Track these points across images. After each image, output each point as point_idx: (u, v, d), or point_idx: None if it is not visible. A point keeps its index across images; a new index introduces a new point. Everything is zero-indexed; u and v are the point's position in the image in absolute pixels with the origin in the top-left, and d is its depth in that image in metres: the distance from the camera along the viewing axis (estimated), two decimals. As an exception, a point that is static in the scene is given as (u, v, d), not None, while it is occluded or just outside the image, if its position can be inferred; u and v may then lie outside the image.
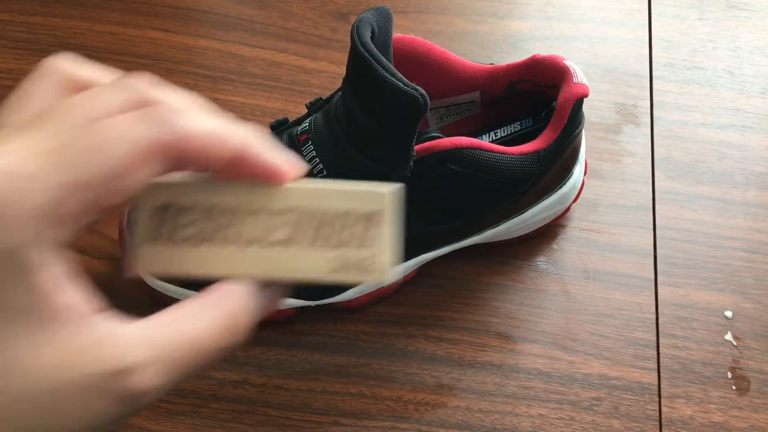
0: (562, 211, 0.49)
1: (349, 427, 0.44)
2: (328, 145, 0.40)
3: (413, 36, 0.45)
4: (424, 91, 0.37)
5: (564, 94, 0.43)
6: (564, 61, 0.45)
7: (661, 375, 0.46)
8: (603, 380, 0.45)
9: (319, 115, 0.42)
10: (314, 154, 0.41)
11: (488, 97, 0.48)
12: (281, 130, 0.44)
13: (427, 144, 0.40)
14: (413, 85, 0.37)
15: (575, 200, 0.50)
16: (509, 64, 0.47)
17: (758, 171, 0.54)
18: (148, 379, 0.23)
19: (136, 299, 0.47)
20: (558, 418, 0.44)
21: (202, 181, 0.27)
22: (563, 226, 0.51)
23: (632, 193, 0.52)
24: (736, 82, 0.58)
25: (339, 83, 0.42)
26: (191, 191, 0.27)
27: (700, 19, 0.62)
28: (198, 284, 0.44)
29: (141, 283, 0.45)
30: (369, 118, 0.38)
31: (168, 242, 0.26)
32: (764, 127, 0.56)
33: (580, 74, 0.44)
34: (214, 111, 0.26)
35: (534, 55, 0.46)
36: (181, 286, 0.44)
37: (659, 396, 0.45)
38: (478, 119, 0.49)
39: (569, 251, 0.50)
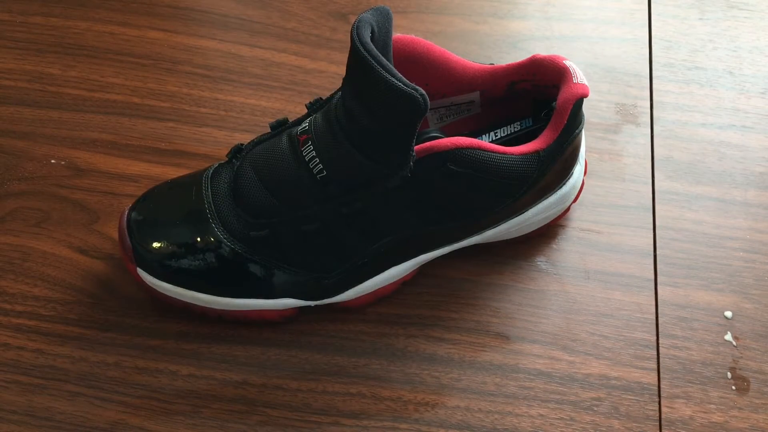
0: (562, 211, 0.49)
1: (349, 428, 0.44)
2: (328, 145, 0.40)
3: (413, 36, 0.45)
4: (424, 92, 0.37)
5: (564, 94, 0.43)
6: (564, 62, 0.45)
7: (661, 375, 0.46)
8: (603, 380, 0.45)
9: (318, 116, 0.42)
10: (314, 154, 0.41)
11: (488, 97, 0.48)
12: (281, 130, 0.44)
13: (427, 144, 0.40)
14: (413, 85, 0.37)
15: (575, 200, 0.50)
16: (509, 64, 0.47)
17: (758, 171, 0.54)
18: None
19: (136, 299, 0.47)
20: (558, 419, 0.44)
21: None
22: (563, 226, 0.51)
23: (632, 193, 0.52)
24: (736, 82, 0.58)
25: (339, 83, 0.42)
26: None
27: (700, 19, 0.62)
28: (197, 285, 0.44)
29: (141, 283, 0.45)
30: (369, 118, 0.38)
31: None
32: (764, 127, 0.56)
33: (580, 74, 0.44)
34: None
35: (534, 56, 0.46)
36: (180, 286, 0.44)
37: (659, 396, 0.45)
38: (478, 119, 0.49)
39: (569, 251, 0.50)
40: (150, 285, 0.45)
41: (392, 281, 0.46)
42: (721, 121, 0.56)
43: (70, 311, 0.47)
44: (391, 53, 0.42)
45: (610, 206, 0.52)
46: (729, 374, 0.46)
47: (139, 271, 0.44)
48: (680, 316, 0.48)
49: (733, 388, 0.45)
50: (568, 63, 0.45)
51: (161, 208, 0.45)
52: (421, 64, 0.45)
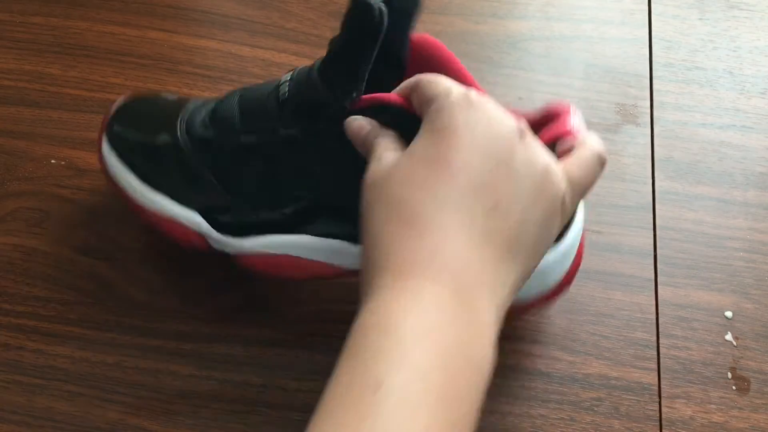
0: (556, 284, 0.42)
1: (349, 428, 0.43)
2: (301, 72, 0.39)
3: (442, 44, 0.41)
4: (384, 7, 0.35)
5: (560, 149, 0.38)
6: (570, 122, 0.39)
7: (662, 375, 0.46)
8: (603, 380, 0.45)
9: None
10: (288, 78, 0.40)
11: None
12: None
13: (376, 95, 0.37)
14: None
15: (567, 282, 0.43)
16: (526, 113, 0.40)
17: (758, 171, 0.54)
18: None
19: (136, 299, 0.47)
20: (558, 419, 0.44)
21: None
22: (563, 227, 0.51)
23: (632, 193, 0.52)
24: (736, 83, 0.58)
25: (339, 83, 0.41)
26: None
27: (700, 19, 0.62)
28: (135, 165, 0.44)
29: (140, 282, 0.45)
30: (336, 40, 0.37)
31: None
32: (764, 127, 0.56)
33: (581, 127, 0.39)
34: None
35: (549, 107, 0.40)
36: (124, 163, 0.46)
37: (659, 396, 0.45)
38: None
39: (569, 251, 0.50)
40: (105, 160, 0.46)
41: (302, 254, 0.42)
42: (721, 121, 0.56)
43: (70, 311, 0.47)
44: (408, 40, 0.40)
45: (610, 206, 0.52)
46: (729, 374, 0.46)
47: (103, 141, 0.47)
48: (680, 316, 0.48)
49: (734, 388, 0.45)
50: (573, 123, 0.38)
51: (154, 98, 0.48)
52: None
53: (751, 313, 0.48)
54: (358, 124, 0.38)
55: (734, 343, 0.47)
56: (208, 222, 0.44)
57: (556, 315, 0.47)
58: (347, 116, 0.38)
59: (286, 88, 0.40)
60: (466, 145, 0.33)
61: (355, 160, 0.38)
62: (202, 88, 0.57)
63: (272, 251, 0.43)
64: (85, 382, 0.44)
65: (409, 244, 0.32)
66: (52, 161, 0.53)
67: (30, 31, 0.59)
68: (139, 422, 0.43)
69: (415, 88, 0.36)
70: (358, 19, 0.36)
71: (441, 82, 0.35)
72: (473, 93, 0.34)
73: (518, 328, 0.47)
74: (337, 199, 0.41)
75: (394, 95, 0.37)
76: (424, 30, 0.60)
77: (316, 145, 0.40)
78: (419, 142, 0.34)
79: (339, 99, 0.38)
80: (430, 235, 0.32)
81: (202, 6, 0.62)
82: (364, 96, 0.38)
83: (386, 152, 0.35)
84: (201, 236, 0.44)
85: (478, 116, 0.33)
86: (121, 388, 0.44)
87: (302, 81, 0.39)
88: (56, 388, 0.44)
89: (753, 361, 0.46)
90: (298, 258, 0.43)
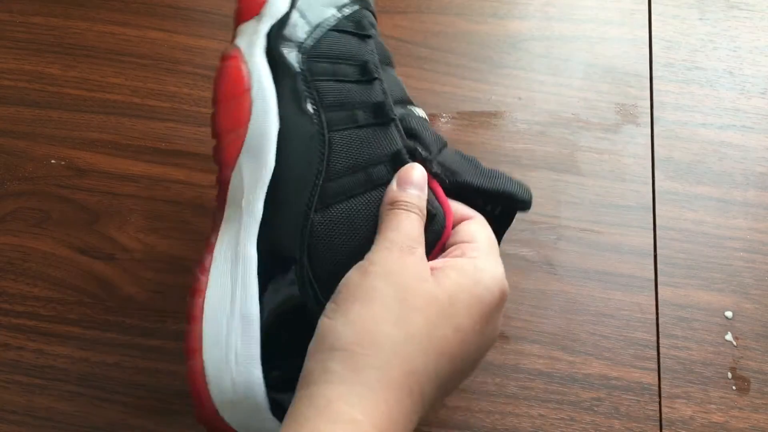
0: None
1: (349, 428, 0.43)
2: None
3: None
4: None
5: None
6: None
7: (662, 375, 0.46)
8: (603, 380, 0.45)
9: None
10: (420, 114, 0.41)
11: None
12: None
13: (444, 196, 0.38)
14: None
15: None
16: None
17: (758, 171, 0.54)
18: None
19: (136, 299, 0.47)
20: (558, 419, 0.44)
21: None
22: (563, 226, 0.51)
23: (632, 193, 0.52)
24: (736, 83, 0.58)
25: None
26: None
27: (700, 19, 0.62)
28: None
29: (140, 282, 0.45)
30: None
31: None
32: (764, 127, 0.56)
33: None
34: None
35: None
36: None
37: (659, 396, 0.45)
38: None
39: (569, 251, 0.50)
40: None
41: (255, 109, 0.42)
42: (721, 121, 0.56)
43: (70, 311, 0.47)
44: None
45: (610, 206, 0.52)
46: (729, 374, 0.46)
47: None
48: (680, 316, 0.48)
49: (734, 388, 0.45)
50: None
51: None
52: None
53: (751, 313, 0.48)
54: (421, 177, 0.37)
55: (734, 343, 0.47)
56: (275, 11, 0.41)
57: (556, 315, 0.47)
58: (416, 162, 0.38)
59: (418, 115, 0.40)
60: (485, 333, 0.35)
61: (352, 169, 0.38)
62: (202, 88, 0.56)
63: (251, 77, 0.42)
64: (85, 382, 0.44)
65: (382, 391, 0.31)
66: (52, 161, 0.53)
67: (30, 31, 0.59)
68: (138, 422, 0.43)
69: (471, 225, 0.37)
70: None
71: (498, 263, 0.36)
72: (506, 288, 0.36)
73: (518, 328, 0.47)
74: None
75: (451, 208, 0.38)
76: (424, 30, 0.61)
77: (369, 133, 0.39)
78: (463, 296, 0.34)
79: (433, 150, 0.38)
80: (410, 392, 0.31)
81: (202, 6, 0.62)
82: (440, 187, 0.38)
83: (416, 246, 0.35)
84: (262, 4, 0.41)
85: (496, 321, 0.36)
86: (120, 388, 0.44)
87: (428, 126, 0.40)
88: (56, 388, 0.44)
89: (753, 361, 0.46)
90: (247, 110, 0.42)
